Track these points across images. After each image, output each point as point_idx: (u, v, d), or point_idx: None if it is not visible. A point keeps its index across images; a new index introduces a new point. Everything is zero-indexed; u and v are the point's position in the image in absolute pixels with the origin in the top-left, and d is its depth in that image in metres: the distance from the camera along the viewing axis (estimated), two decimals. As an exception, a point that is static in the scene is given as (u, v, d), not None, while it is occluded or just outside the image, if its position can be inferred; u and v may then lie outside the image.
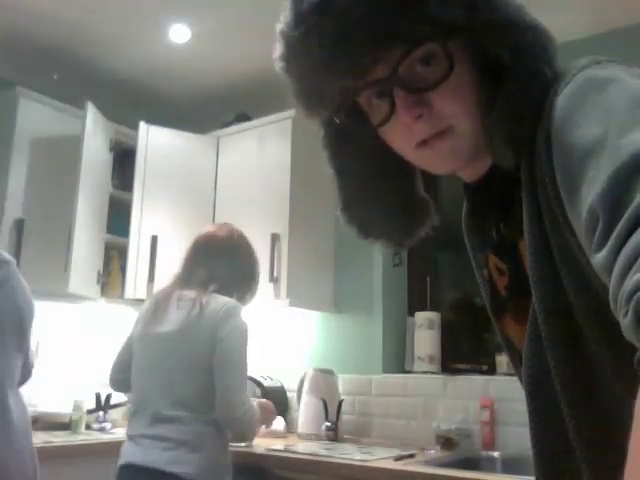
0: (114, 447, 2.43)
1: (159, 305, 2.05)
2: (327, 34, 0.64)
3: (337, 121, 0.74)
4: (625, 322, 0.47)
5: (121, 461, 1.93)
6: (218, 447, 1.94)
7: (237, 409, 1.89)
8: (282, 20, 0.69)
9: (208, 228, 2.22)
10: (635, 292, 0.46)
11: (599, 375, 0.63)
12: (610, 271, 0.50)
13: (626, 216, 0.49)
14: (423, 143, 0.68)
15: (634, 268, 0.47)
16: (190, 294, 2.01)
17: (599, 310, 0.52)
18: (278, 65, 0.71)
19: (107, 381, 2.18)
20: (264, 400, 2.30)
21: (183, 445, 1.86)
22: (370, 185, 0.81)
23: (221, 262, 2.08)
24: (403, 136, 0.70)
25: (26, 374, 1.89)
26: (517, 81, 0.65)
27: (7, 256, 1.83)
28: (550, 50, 0.66)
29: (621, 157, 0.51)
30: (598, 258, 0.52)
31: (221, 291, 2.03)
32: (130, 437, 1.96)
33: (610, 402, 0.62)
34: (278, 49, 0.70)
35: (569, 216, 0.59)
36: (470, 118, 0.68)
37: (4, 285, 1.75)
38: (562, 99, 0.61)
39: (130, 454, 1.91)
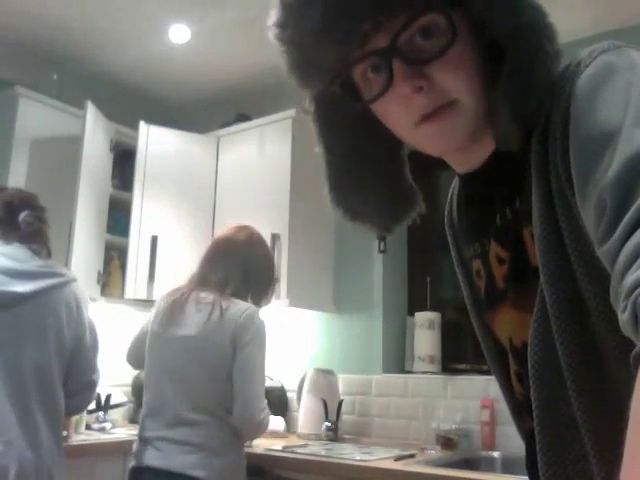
0: (114, 447, 2.45)
1: (176, 306, 2.03)
2: None
3: (331, 92, 0.71)
4: (623, 318, 0.47)
5: (136, 463, 1.92)
6: (236, 451, 1.95)
7: (257, 416, 1.89)
8: None
9: (227, 230, 2.20)
10: (634, 289, 0.46)
11: (607, 360, 0.63)
12: (613, 265, 0.50)
13: (632, 210, 0.49)
14: (424, 118, 0.66)
15: (635, 265, 0.47)
16: (208, 297, 1.99)
17: (609, 295, 0.52)
18: (273, 32, 0.68)
19: (125, 358, 2.23)
20: None
21: (203, 449, 1.85)
22: (358, 166, 0.79)
23: (238, 265, 2.07)
24: (401, 111, 0.67)
25: (77, 398, 1.92)
26: (520, 57, 0.63)
27: (64, 271, 1.89)
28: (550, 29, 0.65)
29: (635, 147, 0.51)
30: (603, 250, 0.52)
31: (237, 294, 2.02)
32: (144, 439, 1.94)
33: (618, 388, 0.61)
34: (274, 15, 0.67)
35: (578, 201, 0.58)
36: (472, 95, 0.66)
37: (38, 297, 1.79)
38: (581, 83, 0.60)
39: (147, 457, 1.89)
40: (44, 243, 1.92)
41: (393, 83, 0.65)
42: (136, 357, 2.15)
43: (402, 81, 0.64)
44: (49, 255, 1.92)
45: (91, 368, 1.96)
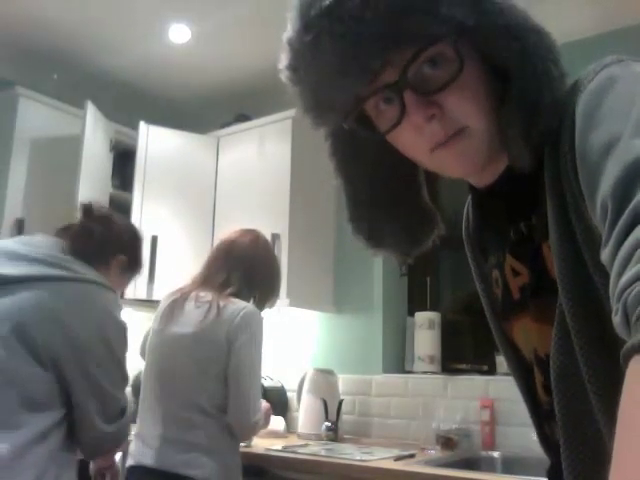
0: (114, 447, 2.44)
1: (176, 305, 2.03)
2: (338, 38, 0.63)
3: (346, 127, 0.72)
4: (615, 321, 0.48)
5: (131, 462, 1.92)
6: (230, 450, 1.94)
7: (251, 417, 1.89)
8: (289, 28, 0.67)
9: (233, 233, 2.18)
10: (624, 291, 0.47)
11: None
12: (611, 271, 0.51)
13: (626, 214, 0.49)
14: (438, 146, 0.68)
15: (628, 267, 0.47)
16: (207, 296, 1.99)
17: None
18: (285, 75, 0.70)
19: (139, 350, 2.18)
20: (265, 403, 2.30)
21: (197, 448, 1.85)
22: (377, 195, 0.81)
23: (241, 268, 2.06)
24: (415, 140, 0.69)
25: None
26: (526, 81, 0.65)
27: (78, 268, 1.56)
28: (555, 52, 0.66)
29: (632, 156, 0.52)
30: (604, 258, 0.53)
31: (238, 295, 2.01)
32: (140, 437, 1.94)
33: None
34: (285, 59, 0.69)
35: (590, 212, 0.59)
36: (483, 119, 0.67)
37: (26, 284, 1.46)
38: (584, 97, 0.61)
39: (141, 455, 1.89)
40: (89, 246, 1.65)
41: (406, 114, 0.67)
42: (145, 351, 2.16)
43: (414, 111, 0.66)
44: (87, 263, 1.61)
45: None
